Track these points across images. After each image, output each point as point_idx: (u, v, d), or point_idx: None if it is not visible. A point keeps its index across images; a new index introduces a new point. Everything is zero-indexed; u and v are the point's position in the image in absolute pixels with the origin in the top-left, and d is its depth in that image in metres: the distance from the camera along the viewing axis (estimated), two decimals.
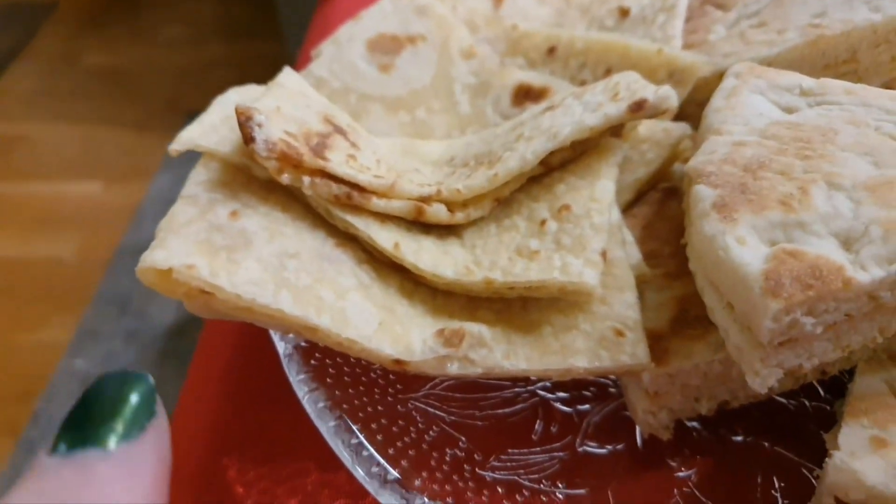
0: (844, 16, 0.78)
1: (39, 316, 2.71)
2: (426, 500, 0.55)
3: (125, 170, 3.26)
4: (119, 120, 3.58)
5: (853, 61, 0.78)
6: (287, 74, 0.77)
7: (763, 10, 0.89)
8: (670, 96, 0.68)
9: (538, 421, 0.69)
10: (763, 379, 0.54)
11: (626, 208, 0.77)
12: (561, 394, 0.71)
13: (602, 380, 0.72)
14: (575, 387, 0.72)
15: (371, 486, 0.56)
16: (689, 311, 0.65)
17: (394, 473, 0.57)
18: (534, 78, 0.90)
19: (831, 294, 0.51)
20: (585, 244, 0.63)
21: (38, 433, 2.37)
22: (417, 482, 0.58)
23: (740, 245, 0.55)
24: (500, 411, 0.69)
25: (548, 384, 0.72)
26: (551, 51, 0.94)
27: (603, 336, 0.61)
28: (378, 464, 0.58)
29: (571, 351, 0.61)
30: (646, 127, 0.79)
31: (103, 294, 2.76)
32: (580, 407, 0.70)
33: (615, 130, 0.74)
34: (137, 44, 4.31)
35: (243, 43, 4.10)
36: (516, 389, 0.71)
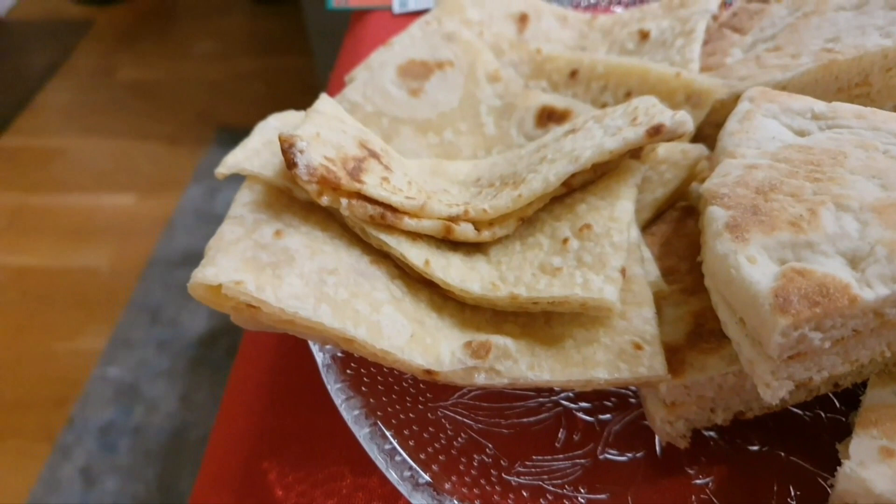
0: (857, 41, 0.81)
1: (75, 324, 2.80)
2: (456, 502, 0.59)
3: (158, 182, 3.36)
4: (152, 133, 3.69)
5: (865, 84, 0.81)
6: (324, 101, 0.82)
7: (779, 35, 0.92)
8: (686, 121, 0.72)
9: (561, 429, 0.72)
10: (774, 391, 0.58)
11: (646, 226, 0.81)
12: (583, 404, 0.75)
13: (622, 391, 0.75)
14: (597, 397, 0.75)
15: (404, 489, 0.60)
16: (705, 326, 0.68)
17: (425, 477, 0.61)
18: (557, 100, 0.94)
19: (838, 311, 0.54)
20: (606, 262, 0.67)
21: (74, 438, 2.44)
22: (447, 486, 0.61)
23: (751, 264, 0.58)
24: (524, 420, 0.73)
25: (570, 394, 0.75)
26: (573, 74, 0.98)
27: (622, 349, 0.65)
28: (410, 468, 0.62)
29: (592, 363, 0.64)
30: (665, 148, 0.83)
31: (136, 303, 2.84)
32: (601, 416, 0.74)
33: (634, 153, 0.78)
34: (170, 59, 4.42)
35: (273, 57, 4.18)
36: (540, 399, 0.75)
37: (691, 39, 0.97)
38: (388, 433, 0.64)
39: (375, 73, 0.97)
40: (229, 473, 0.74)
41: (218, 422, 0.82)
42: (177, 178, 3.32)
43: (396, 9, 1.43)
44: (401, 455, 0.63)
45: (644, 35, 1.05)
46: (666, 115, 0.72)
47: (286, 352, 0.84)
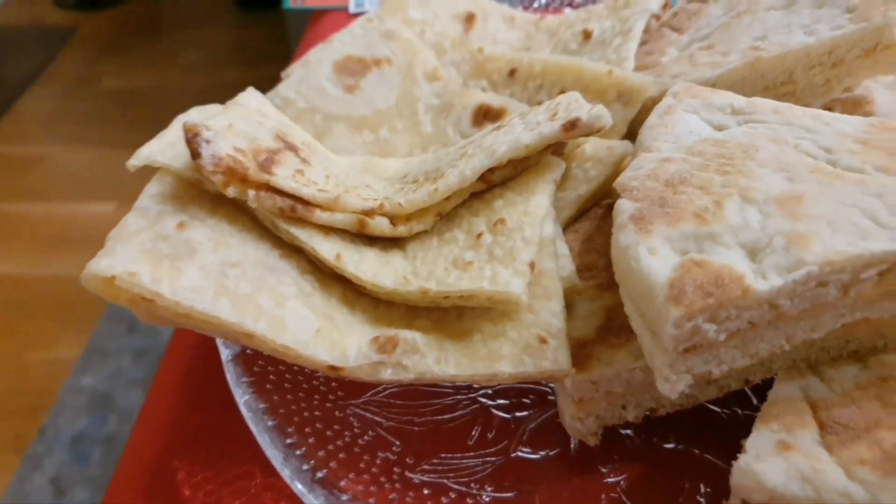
0: (782, 39, 0.81)
1: (50, 333, 2.77)
2: (349, 498, 0.58)
3: (137, 191, 3.28)
4: (134, 143, 3.63)
5: (790, 83, 0.81)
6: (248, 94, 0.82)
7: (713, 34, 0.92)
8: (603, 115, 0.71)
9: (476, 427, 0.71)
10: (672, 385, 0.57)
11: (570, 223, 0.80)
12: (501, 401, 0.74)
13: (541, 387, 0.74)
14: (515, 394, 0.74)
15: (297, 485, 0.59)
16: (615, 320, 0.67)
17: (320, 474, 0.60)
18: (493, 99, 0.94)
19: (731, 302, 0.53)
20: (515, 256, 0.66)
21: (45, 448, 2.41)
22: (343, 483, 0.60)
23: (651, 255, 0.58)
24: (439, 417, 0.72)
25: (489, 391, 0.74)
26: (512, 73, 0.98)
27: (528, 343, 0.64)
28: (306, 463, 0.60)
29: (498, 357, 0.63)
30: (591, 145, 0.82)
31: (113, 312, 2.81)
32: (518, 413, 0.73)
33: (557, 148, 0.77)
34: (155, 68, 4.43)
35: (258, 67, 4.19)
36: (458, 396, 0.74)
37: (628, 38, 0.97)
38: (287, 429, 0.62)
39: (311, 69, 0.96)
40: (140, 474, 0.73)
41: (137, 421, 0.80)
42: None
43: (352, 8, 1.43)
44: (298, 452, 0.61)
45: (587, 35, 1.05)
46: (583, 110, 0.72)
47: (208, 353, 0.82)
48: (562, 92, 0.92)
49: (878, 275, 0.56)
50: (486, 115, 0.93)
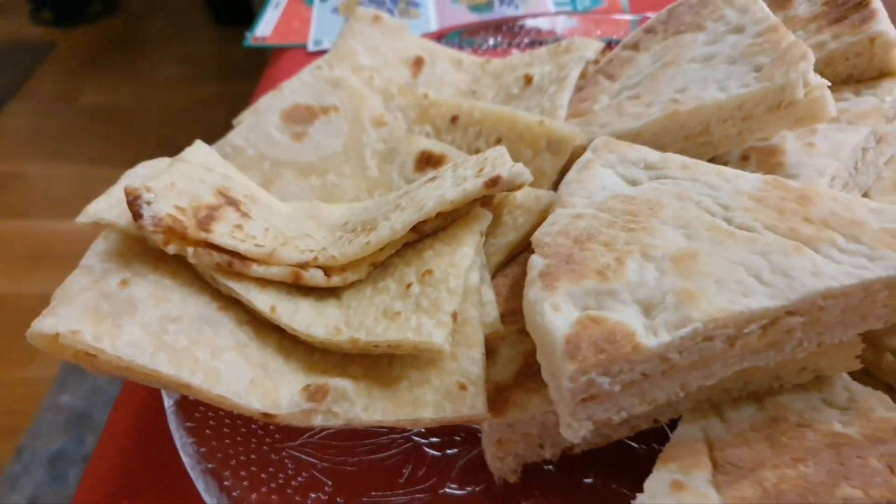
0: (698, 93, 0.86)
1: (27, 352, 2.77)
2: None
3: None
4: (113, 159, 3.69)
5: (707, 133, 0.86)
6: (195, 148, 0.86)
7: (641, 83, 0.97)
8: (522, 173, 0.76)
9: (408, 465, 0.76)
10: (574, 430, 0.61)
11: (500, 268, 0.85)
12: (433, 439, 0.78)
13: (471, 426, 0.79)
14: (446, 432, 0.79)
15: None
16: (532, 365, 0.72)
17: None
18: (434, 146, 0.99)
19: (622, 357, 0.58)
20: (440, 306, 0.71)
21: (22, 468, 2.43)
22: None
23: (554, 311, 0.63)
24: (373, 457, 0.76)
25: (421, 430, 0.79)
26: (454, 119, 1.03)
27: (449, 390, 0.68)
28: (238, 502, 0.65)
29: (421, 403, 0.68)
30: (521, 194, 0.87)
31: None
32: (449, 451, 0.77)
33: (485, 200, 0.82)
34: (133, 84, 4.44)
35: (237, 83, 4.22)
36: (392, 436, 0.78)
37: (563, 87, 1.02)
38: (224, 472, 0.67)
39: (260, 117, 1.01)
40: None
41: (92, 457, 0.84)
42: None
43: (311, 47, 1.47)
44: (234, 494, 0.66)
45: (528, 80, 1.10)
46: (504, 168, 0.77)
47: (158, 397, 0.86)
48: (498, 140, 0.97)
49: (761, 328, 0.62)
50: (427, 161, 0.98)
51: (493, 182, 0.76)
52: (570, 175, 0.79)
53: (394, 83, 1.09)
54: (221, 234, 0.72)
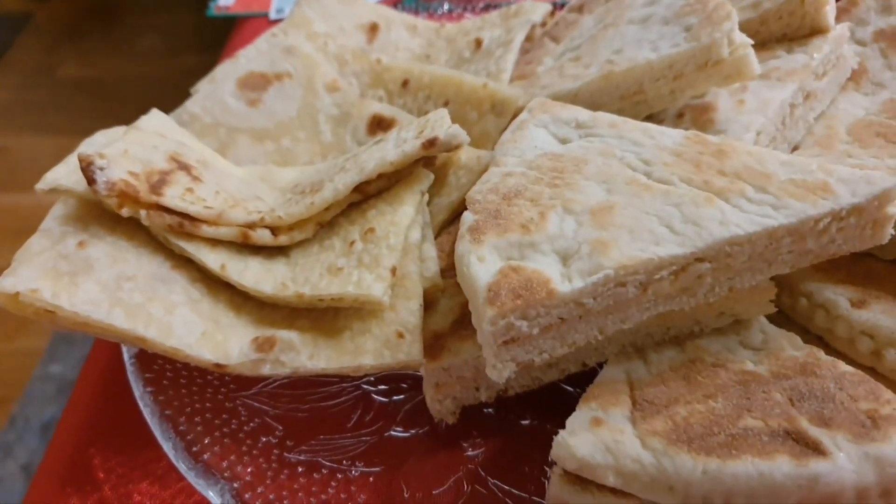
0: (632, 54, 0.90)
1: (15, 324, 2.83)
2: (228, 476, 0.67)
3: None
4: (94, 130, 3.70)
5: (641, 93, 0.90)
6: (151, 116, 0.90)
7: (582, 45, 1.01)
8: (458, 134, 0.80)
9: (357, 411, 0.81)
10: (499, 371, 0.66)
11: (445, 226, 0.89)
12: (381, 386, 0.83)
13: (417, 372, 0.84)
14: (394, 379, 0.84)
15: (181, 465, 0.68)
16: (467, 315, 0.76)
17: (205, 457, 0.69)
18: (385, 109, 1.02)
19: (538, 302, 0.63)
20: (380, 262, 0.76)
21: (15, 436, 2.49)
22: (225, 464, 0.70)
23: (480, 262, 0.67)
24: (323, 404, 0.81)
25: (371, 378, 0.84)
26: (405, 84, 1.06)
27: (388, 338, 0.73)
28: (193, 448, 0.70)
29: (362, 351, 0.73)
30: (465, 155, 0.91)
31: None
32: (396, 397, 0.82)
33: (428, 161, 0.86)
34: (114, 55, 4.41)
35: (218, 53, 4.19)
36: (343, 384, 0.83)
37: (508, 50, 1.05)
38: (179, 419, 0.72)
39: (217, 85, 1.04)
40: (60, 461, 0.82)
41: (64, 413, 0.89)
42: None
43: (273, 15, 1.49)
44: (188, 437, 0.71)
45: (479, 43, 1.13)
46: (441, 129, 0.81)
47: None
48: (446, 103, 1.01)
49: (673, 274, 0.66)
50: (379, 125, 1.01)
51: (431, 143, 0.80)
52: (506, 135, 0.83)
53: (348, 49, 1.12)
54: (172, 197, 0.76)
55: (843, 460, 0.58)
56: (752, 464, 0.60)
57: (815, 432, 0.61)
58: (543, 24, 1.13)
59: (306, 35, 1.11)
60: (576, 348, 0.69)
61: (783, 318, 0.80)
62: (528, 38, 1.10)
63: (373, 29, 1.20)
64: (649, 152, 0.75)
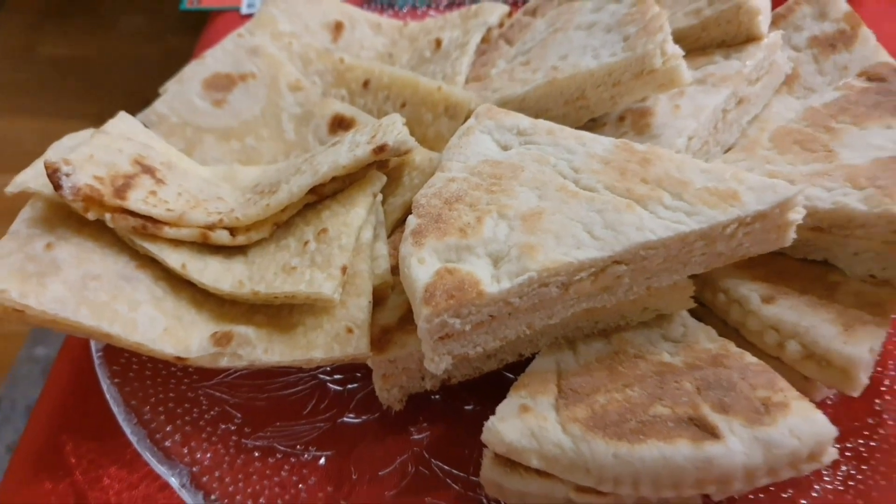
0: (575, 60, 0.95)
1: None
2: (188, 461, 0.74)
3: None
4: (78, 112, 3.68)
5: (583, 98, 0.95)
6: (118, 120, 0.94)
7: (532, 49, 1.05)
8: (407, 140, 0.86)
9: (313, 399, 0.87)
10: (436, 364, 0.72)
11: (398, 224, 0.95)
12: (337, 376, 0.90)
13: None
14: (349, 369, 0.90)
15: (144, 452, 0.74)
16: None
17: (167, 444, 0.75)
18: (346, 109, 1.07)
19: (469, 301, 0.69)
20: (332, 261, 0.81)
21: (2, 417, 2.54)
22: (185, 450, 0.76)
23: (420, 265, 0.73)
24: (281, 393, 0.87)
25: (327, 369, 0.90)
26: (366, 84, 1.11)
27: (338, 333, 0.79)
28: (156, 435, 0.76)
29: (314, 345, 0.79)
30: (420, 156, 0.96)
31: None
32: (350, 386, 0.89)
33: (381, 164, 0.91)
34: (96, 35, 4.38)
35: (201, 34, 4.18)
36: (300, 374, 0.89)
37: (464, 52, 1.10)
38: (143, 408, 0.78)
39: (184, 85, 1.08)
40: (33, 446, 0.87)
41: (38, 400, 0.95)
42: None
43: (244, 10, 1.53)
44: (151, 426, 0.77)
45: (438, 44, 1.18)
46: (391, 136, 0.86)
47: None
48: (403, 104, 1.06)
49: (592, 275, 0.72)
50: (339, 124, 1.06)
51: (381, 149, 0.85)
52: (453, 140, 0.88)
53: (312, 48, 1.16)
54: (136, 200, 0.81)
55: (735, 443, 0.65)
56: (657, 448, 0.66)
57: (715, 418, 0.67)
58: (500, 26, 1.18)
59: (272, 35, 1.16)
60: (509, 341, 0.75)
61: (706, 311, 0.86)
62: (485, 40, 1.15)
63: (338, 27, 1.24)
64: (580, 160, 0.81)
